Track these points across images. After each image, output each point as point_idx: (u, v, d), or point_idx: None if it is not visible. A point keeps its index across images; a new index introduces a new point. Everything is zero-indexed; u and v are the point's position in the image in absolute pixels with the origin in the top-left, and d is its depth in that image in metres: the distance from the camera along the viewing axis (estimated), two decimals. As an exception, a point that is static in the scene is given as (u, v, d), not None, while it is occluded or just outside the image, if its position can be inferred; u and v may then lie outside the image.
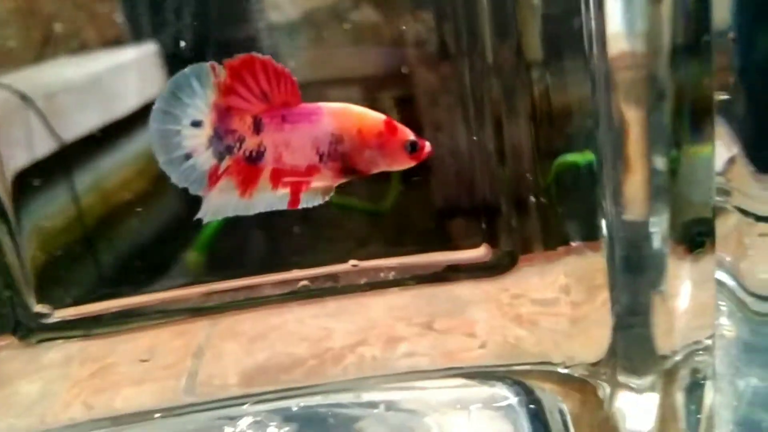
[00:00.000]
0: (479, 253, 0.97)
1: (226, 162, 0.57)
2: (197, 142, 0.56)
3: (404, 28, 0.93)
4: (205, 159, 0.57)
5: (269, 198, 0.59)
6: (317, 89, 0.91)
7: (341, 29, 0.93)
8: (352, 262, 0.97)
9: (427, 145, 0.62)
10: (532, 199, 0.92)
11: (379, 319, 1.00)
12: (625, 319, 0.85)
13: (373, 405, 0.87)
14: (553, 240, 0.92)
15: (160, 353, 0.99)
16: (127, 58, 0.93)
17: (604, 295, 0.86)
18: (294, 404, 0.89)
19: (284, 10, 0.91)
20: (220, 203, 0.58)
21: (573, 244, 0.89)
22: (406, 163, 0.61)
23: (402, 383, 0.91)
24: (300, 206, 0.61)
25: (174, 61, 0.89)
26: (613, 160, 0.83)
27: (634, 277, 0.85)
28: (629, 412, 0.79)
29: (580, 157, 0.81)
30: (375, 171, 0.62)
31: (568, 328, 0.91)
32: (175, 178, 0.56)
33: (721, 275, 0.65)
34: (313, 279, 0.97)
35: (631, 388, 0.80)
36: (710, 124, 0.61)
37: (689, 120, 0.63)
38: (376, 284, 0.98)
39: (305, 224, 0.96)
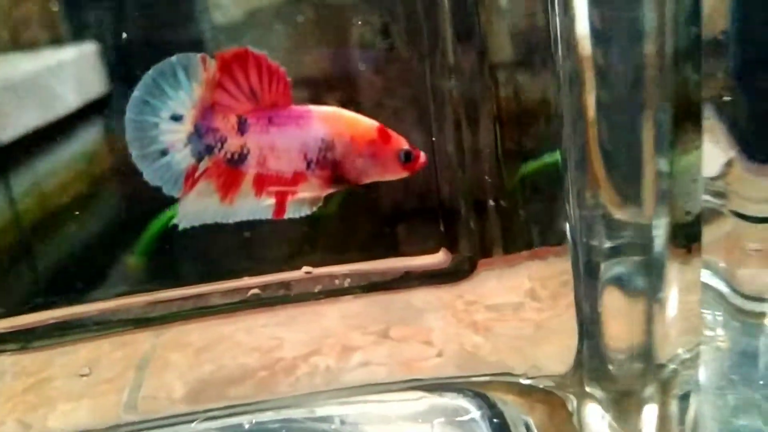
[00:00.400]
0: (437, 258, 0.94)
1: (206, 163, 0.54)
2: (175, 137, 0.53)
3: (356, 28, 0.89)
4: (182, 157, 0.53)
5: (252, 205, 0.55)
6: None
7: (288, 29, 0.90)
8: (306, 269, 0.92)
9: (422, 155, 0.60)
10: (491, 202, 0.89)
11: (333, 327, 0.96)
12: (589, 327, 0.83)
13: (328, 420, 0.83)
14: (515, 244, 0.90)
15: (100, 366, 0.94)
16: (66, 58, 0.89)
17: (569, 302, 0.85)
18: (245, 420, 0.84)
19: (228, 10, 0.88)
20: (199, 208, 0.54)
21: (537, 248, 0.88)
22: (399, 174, 0.59)
23: (359, 397, 0.87)
24: (285, 216, 0.58)
25: (114, 62, 0.86)
26: (578, 163, 0.81)
27: (597, 282, 0.83)
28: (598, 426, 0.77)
29: (550, 159, 0.79)
30: (365, 181, 0.59)
31: (531, 336, 0.89)
32: (149, 175, 0.53)
33: (716, 281, 0.63)
34: (264, 287, 0.93)
35: (598, 401, 0.78)
36: (697, 129, 0.59)
37: (671, 124, 0.61)
38: (331, 292, 0.94)
39: (256, 229, 0.92)
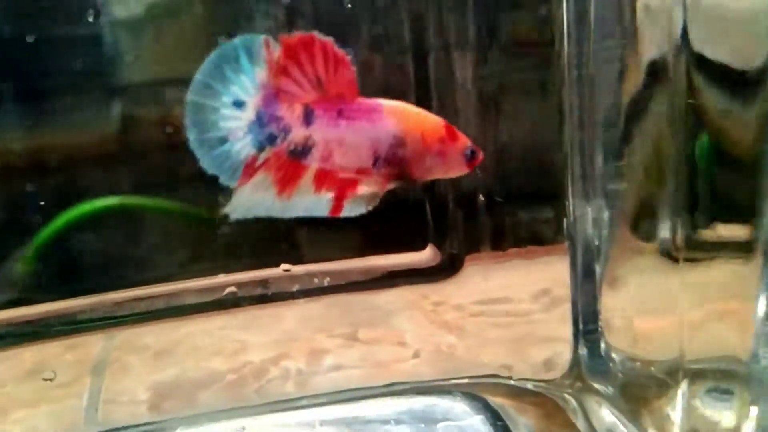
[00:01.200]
0: (423, 256, 0.91)
1: (266, 153, 0.50)
2: (236, 124, 0.49)
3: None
4: (242, 146, 0.49)
5: (309, 201, 0.51)
6: (157, 88, 0.86)
7: (186, 25, 0.87)
8: (284, 266, 0.88)
9: (481, 153, 0.57)
10: (482, 198, 0.88)
11: (298, 331, 0.92)
12: (587, 326, 0.83)
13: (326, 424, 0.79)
14: (504, 241, 0.89)
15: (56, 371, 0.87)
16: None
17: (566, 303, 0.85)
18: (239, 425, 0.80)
19: (128, 4, 0.85)
20: (253, 201, 0.50)
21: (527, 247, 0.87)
22: (462, 171, 0.56)
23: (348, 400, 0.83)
24: (341, 215, 0.54)
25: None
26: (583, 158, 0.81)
27: (594, 281, 0.83)
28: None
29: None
30: (428, 178, 0.57)
31: (524, 335, 0.87)
32: (205, 163, 0.49)
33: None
34: (240, 285, 0.87)
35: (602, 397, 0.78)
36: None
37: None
38: (310, 291, 0.89)
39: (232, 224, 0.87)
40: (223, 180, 0.50)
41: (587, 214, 0.82)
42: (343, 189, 0.52)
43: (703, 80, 0.62)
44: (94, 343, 0.89)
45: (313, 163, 0.51)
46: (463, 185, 0.88)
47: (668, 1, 0.65)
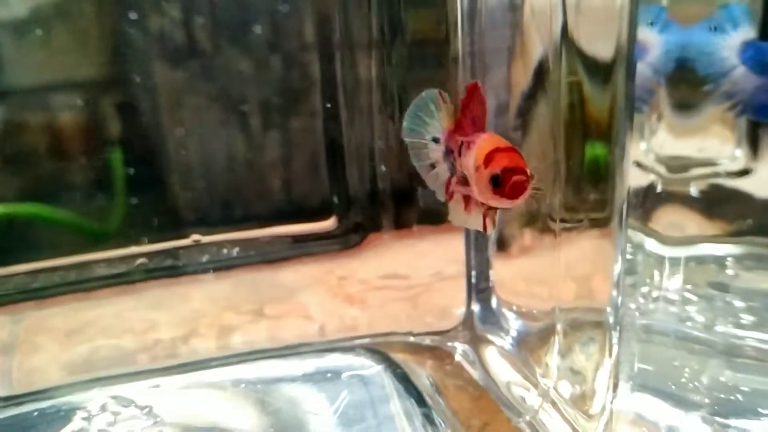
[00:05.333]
0: (327, 225, 0.96)
1: (454, 177, 0.59)
2: (437, 155, 0.59)
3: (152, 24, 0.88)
4: (442, 171, 0.59)
5: (475, 218, 0.58)
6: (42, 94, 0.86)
7: (71, 28, 0.87)
8: (194, 237, 0.91)
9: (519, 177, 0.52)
10: (383, 168, 0.93)
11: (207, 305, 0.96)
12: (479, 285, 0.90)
13: (240, 382, 0.84)
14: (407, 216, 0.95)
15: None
16: None
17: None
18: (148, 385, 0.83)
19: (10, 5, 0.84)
20: (456, 214, 0.59)
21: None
22: (498, 203, 0.54)
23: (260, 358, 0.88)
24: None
25: None
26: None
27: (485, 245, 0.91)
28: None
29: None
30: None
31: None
32: (427, 182, 0.61)
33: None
34: (150, 256, 0.91)
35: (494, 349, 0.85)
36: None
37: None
38: (219, 263, 0.93)
39: (141, 196, 0.89)
40: (438, 196, 0.61)
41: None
42: (483, 209, 0.57)
43: (579, 69, 0.69)
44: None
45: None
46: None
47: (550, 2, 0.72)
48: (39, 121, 0.87)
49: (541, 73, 0.76)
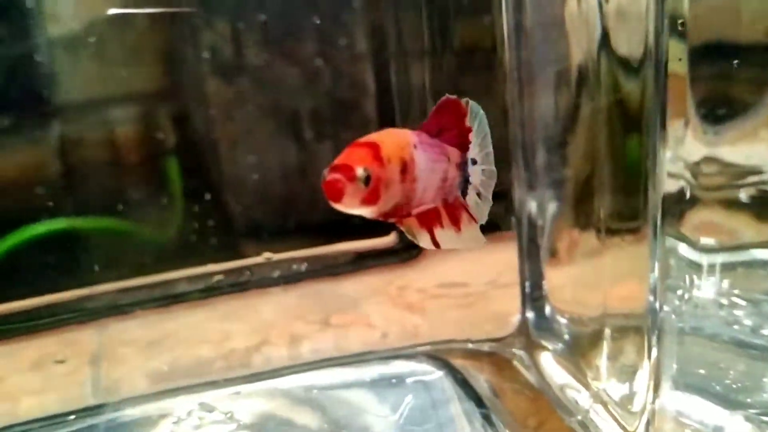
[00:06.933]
0: (388, 241, 1.02)
1: None
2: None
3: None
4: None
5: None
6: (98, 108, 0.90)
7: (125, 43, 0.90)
8: (266, 255, 0.98)
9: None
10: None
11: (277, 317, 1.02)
12: (533, 293, 0.95)
13: (305, 389, 0.91)
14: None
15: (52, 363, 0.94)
16: None
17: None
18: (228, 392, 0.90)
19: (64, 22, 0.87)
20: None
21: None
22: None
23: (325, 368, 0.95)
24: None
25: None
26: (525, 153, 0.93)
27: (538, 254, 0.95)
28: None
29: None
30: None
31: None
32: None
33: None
34: (227, 273, 0.98)
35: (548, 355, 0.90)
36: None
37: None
38: (290, 277, 1.00)
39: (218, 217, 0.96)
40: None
41: (531, 199, 0.94)
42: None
43: (618, 71, 0.73)
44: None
45: None
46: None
47: (588, 9, 0.76)
48: (97, 135, 0.91)
49: (583, 79, 0.80)
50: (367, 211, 0.48)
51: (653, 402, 0.69)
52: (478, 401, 0.85)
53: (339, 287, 1.04)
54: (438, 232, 0.53)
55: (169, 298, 0.97)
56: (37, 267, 0.92)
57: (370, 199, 0.46)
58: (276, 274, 0.98)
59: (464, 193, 0.55)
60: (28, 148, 0.89)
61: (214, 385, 0.91)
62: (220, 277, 0.97)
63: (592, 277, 0.82)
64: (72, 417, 0.88)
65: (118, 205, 0.92)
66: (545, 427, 0.81)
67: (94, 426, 0.86)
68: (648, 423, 0.69)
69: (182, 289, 0.97)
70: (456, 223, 0.54)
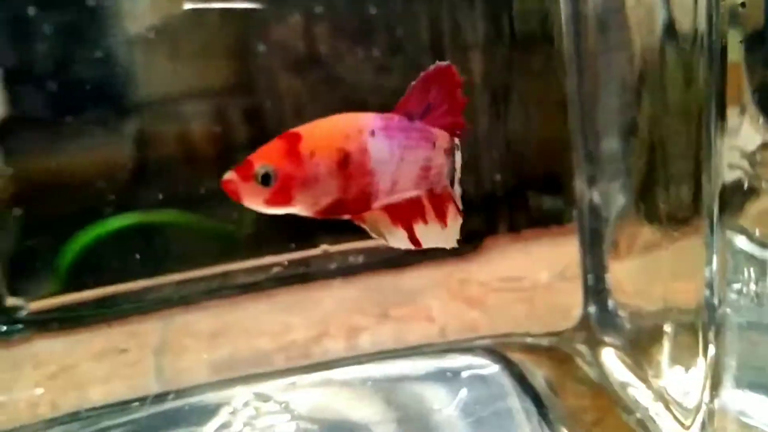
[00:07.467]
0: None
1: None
2: None
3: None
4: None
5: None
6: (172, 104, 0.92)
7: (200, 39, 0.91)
8: (323, 247, 0.99)
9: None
10: (498, 176, 0.97)
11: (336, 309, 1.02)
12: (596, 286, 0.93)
13: (363, 381, 0.91)
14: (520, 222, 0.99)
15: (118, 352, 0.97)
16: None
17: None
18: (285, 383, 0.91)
19: (140, 20, 0.89)
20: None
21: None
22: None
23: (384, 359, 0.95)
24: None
25: (18, 82, 0.87)
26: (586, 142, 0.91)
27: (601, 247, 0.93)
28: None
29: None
30: None
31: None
32: None
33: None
34: (285, 265, 0.98)
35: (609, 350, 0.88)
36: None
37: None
38: (347, 269, 1.00)
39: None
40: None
41: (594, 191, 0.92)
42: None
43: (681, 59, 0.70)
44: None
45: None
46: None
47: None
48: (172, 130, 0.94)
49: (645, 68, 0.78)
50: (289, 211, 0.43)
51: (711, 401, 0.66)
52: (535, 396, 0.84)
53: (399, 280, 1.03)
54: (419, 229, 0.47)
55: (230, 288, 0.99)
56: (109, 258, 0.95)
57: (277, 200, 0.42)
58: (333, 266, 0.99)
59: (453, 183, 0.49)
60: (104, 144, 0.92)
61: (270, 375, 0.92)
62: (278, 269, 0.98)
63: (653, 270, 0.80)
64: (135, 404, 0.90)
65: (191, 200, 0.94)
66: (603, 424, 0.79)
67: (155, 414, 0.88)
68: (704, 423, 0.67)
69: (243, 280, 0.99)
70: (442, 217, 0.48)
